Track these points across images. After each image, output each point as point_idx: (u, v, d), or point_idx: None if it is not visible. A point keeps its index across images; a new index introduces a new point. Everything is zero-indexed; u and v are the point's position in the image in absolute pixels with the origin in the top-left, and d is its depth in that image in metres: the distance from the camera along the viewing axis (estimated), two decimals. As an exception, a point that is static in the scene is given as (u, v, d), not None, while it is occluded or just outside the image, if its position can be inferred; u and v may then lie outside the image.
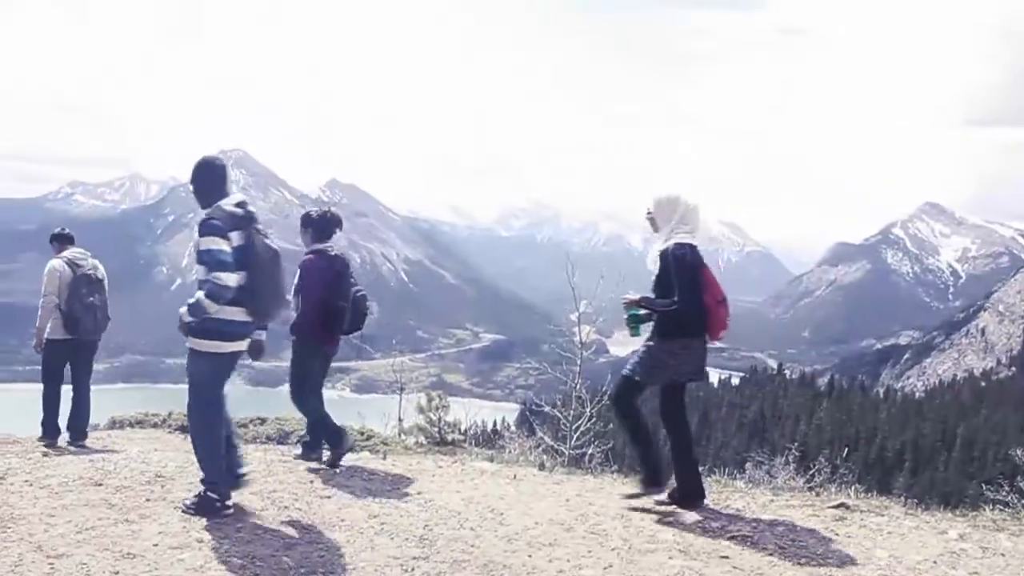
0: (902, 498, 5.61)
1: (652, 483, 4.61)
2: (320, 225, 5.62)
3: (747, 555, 3.83)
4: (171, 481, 4.72)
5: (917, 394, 77.06)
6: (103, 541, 3.63)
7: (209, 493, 4.09)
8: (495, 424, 31.92)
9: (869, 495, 5.43)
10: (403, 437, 8.28)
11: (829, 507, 4.72)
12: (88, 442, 6.73)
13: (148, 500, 4.32)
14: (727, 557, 3.78)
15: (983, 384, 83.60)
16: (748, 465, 10.73)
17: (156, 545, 3.62)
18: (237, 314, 4.08)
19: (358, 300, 5.63)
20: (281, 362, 5.52)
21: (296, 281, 5.51)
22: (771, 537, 4.08)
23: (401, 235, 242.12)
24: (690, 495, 4.55)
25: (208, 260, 3.96)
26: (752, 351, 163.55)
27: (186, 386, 4.17)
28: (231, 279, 3.95)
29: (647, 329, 4.56)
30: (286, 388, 5.67)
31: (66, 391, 6.79)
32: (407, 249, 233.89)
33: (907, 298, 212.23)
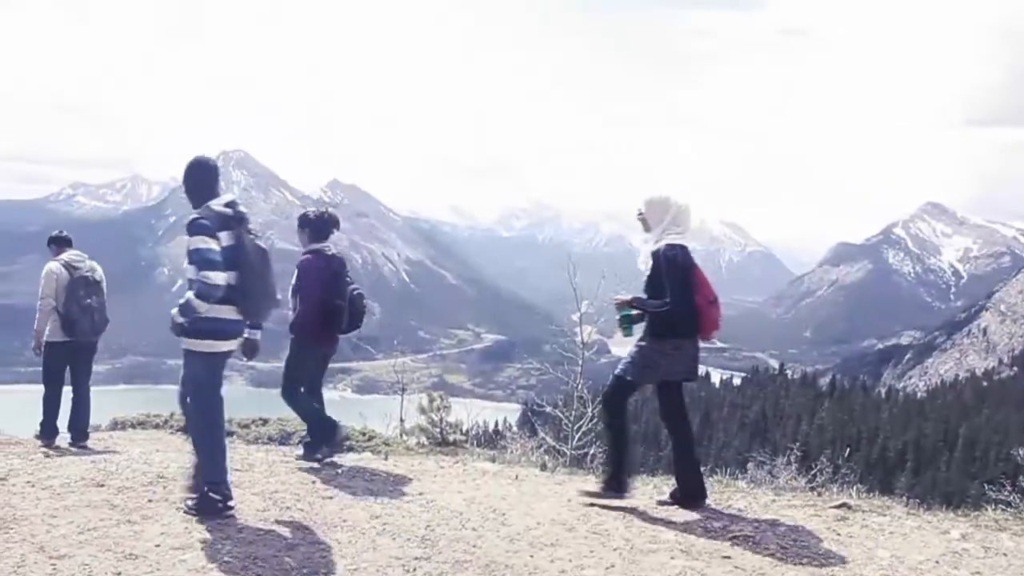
0: (904, 498, 5.60)
1: (614, 488, 4.58)
2: (317, 225, 5.64)
3: (749, 555, 3.83)
4: (173, 482, 4.73)
5: (919, 394, 77.11)
6: (105, 542, 3.64)
7: (211, 493, 4.09)
8: (497, 425, 31.91)
9: (871, 495, 5.41)
10: (405, 438, 8.28)
11: (831, 507, 4.71)
12: (90, 443, 6.74)
13: (150, 501, 4.34)
14: (729, 557, 3.78)
15: (985, 384, 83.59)
16: (750, 465, 10.71)
17: (158, 546, 3.63)
18: (228, 313, 4.10)
19: (355, 299, 5.64)
20: (282, 363, 5.53)
21: (294, 281, 5.52)
22: (773, 537, 4.08)
23: (402, 235, 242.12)
24: (692, 495, 4.56)
25: (197, 259, 3.98)
26: (754, 351, 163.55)
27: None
28: (220, 278, 3.96)
29: (639, 329, 4.57)
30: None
31: (67, 392, 6.81)
32: (408, 250, 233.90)
33: (909, 298, 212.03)
